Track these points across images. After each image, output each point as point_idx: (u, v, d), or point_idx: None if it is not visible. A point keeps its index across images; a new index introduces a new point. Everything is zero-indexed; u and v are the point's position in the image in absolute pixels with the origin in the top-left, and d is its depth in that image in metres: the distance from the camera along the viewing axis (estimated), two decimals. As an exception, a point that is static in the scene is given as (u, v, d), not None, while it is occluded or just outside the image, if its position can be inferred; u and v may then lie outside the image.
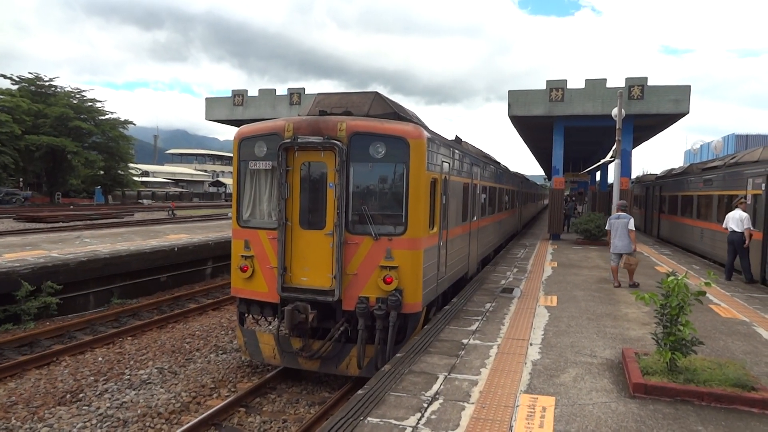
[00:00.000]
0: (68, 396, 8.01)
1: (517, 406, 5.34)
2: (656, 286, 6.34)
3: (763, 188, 13.28)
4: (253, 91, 28.78)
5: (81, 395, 8.05)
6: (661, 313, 5.83)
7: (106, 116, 56.99)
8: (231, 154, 9.81)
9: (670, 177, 25.09)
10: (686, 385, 5.50)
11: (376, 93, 9.22)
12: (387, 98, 9.24)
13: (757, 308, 10.21)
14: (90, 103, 55.84)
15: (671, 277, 5.66)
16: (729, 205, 15.29)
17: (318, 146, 8.08)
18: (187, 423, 7.01)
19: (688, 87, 20.81)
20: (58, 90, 54.78)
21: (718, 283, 12.83)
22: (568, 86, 21.67)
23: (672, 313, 5.64)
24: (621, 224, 11.79)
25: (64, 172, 54.34)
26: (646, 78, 21.02)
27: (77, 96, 55.41)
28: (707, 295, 11.12)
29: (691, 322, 5.66)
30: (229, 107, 28.97)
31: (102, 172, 57.50)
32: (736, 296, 11.35)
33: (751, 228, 12.62)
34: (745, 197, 13.62)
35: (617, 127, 13.46)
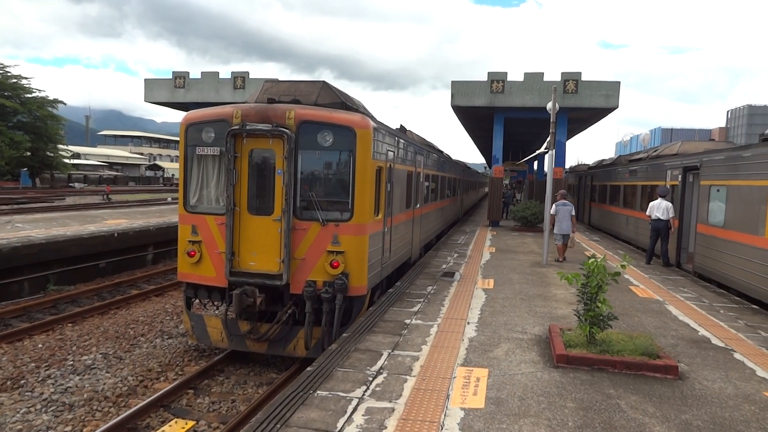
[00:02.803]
0: (9, 383, 7.89)
1: (454, 377, 5.84)
2: (579, 267, 6.99)
3: (680, 180, 14.50)
4: (195, 73, 28.12)
5: (22, 381, 7.94)
6: (582, 292, 6.47)
7: (33, 94, 53.65)
8: (169, 137, 9.77)
9: (600, 168, 26.63)
10: (602, 355, 6.18)
11: (324, 82, 9.45)
12: (335, 88, 9.48)
13: (670, 289, 11.26)
14: (15, 80, 52.37)
15: (591, 260, 6.30)
16: (651, 194, 16.55)
17: (267, 134, 8.23)
18: (136, 405, 7.12)
19: (618, 83, 22.10)
20: (-22, 65, 51.09)
21: (639, 266, 13.98)
22: (509, 78, 22.50)
23: (591, 292, 6.30)
24: (566, 210, 14.03)
25: (-15, 152, 50.89)
26: (580, 73, 22.13)
27: (0, 72, 51.83)
28: (629, 277, 12.17)
29: (607, 300, 6.34)
30: (170, 89, 28.14)
31: (29, 154, 54.14)
32: (653, 278, 12.42)
33: (675, 216, 13.85)
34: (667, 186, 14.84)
35: (551, 120, 14.28)
